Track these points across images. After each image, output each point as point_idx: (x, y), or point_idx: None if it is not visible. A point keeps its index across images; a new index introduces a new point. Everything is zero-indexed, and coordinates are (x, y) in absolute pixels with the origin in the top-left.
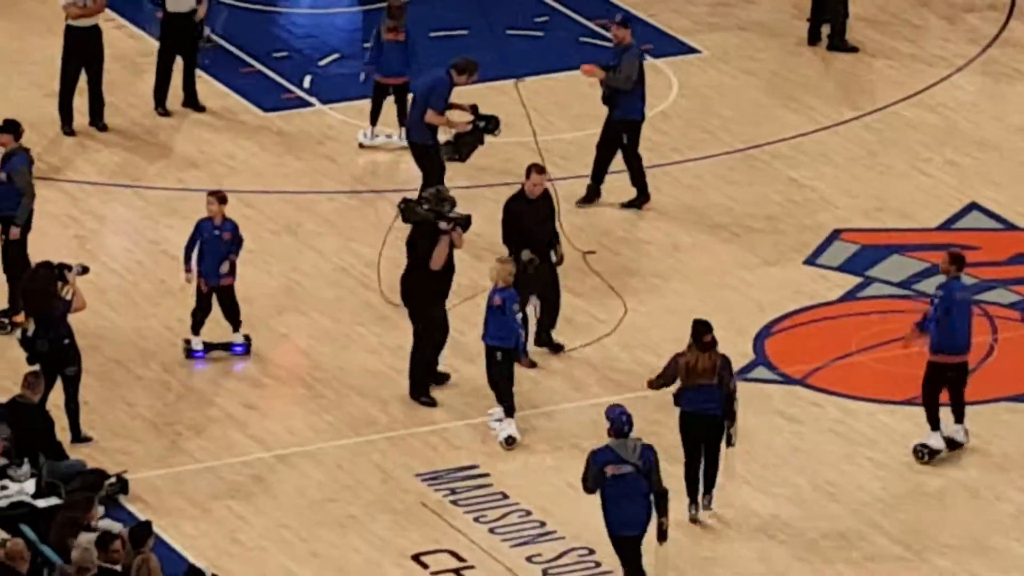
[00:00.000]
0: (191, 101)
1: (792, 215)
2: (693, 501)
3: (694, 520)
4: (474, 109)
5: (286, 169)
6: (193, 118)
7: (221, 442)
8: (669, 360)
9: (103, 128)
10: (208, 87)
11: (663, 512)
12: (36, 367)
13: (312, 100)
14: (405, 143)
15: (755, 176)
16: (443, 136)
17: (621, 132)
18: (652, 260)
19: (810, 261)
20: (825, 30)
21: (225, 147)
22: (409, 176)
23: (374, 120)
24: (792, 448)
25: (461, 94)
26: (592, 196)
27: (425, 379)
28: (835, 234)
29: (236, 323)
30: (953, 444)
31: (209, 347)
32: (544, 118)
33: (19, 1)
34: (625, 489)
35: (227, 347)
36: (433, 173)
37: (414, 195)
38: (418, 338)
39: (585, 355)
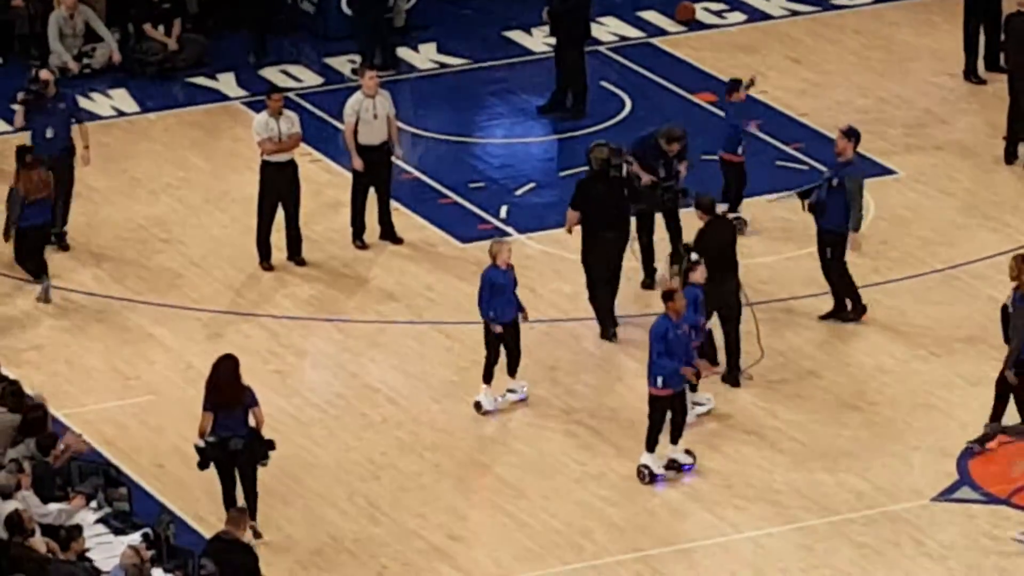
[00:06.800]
0: (388, 233)
1: (993, 334)
2: None
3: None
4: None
5: None
6: (390, 250)
7: (427, 574)
8: None
9: (301, 263)
10: (405, 219)
11: None
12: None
13: (509, 230)
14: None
15: (955, 296)
16: None
17: (825, 245)
18: (855, 382)
19: None
20: (1022, 148)
21: (423, 279)
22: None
23: None
24: (999, 569)
25: None
26: (843, 316)
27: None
28: None
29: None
30: (672, 464)
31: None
32: (740, 241)
33: (217, 140)
34: None
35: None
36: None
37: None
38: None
39: (794, 483)
